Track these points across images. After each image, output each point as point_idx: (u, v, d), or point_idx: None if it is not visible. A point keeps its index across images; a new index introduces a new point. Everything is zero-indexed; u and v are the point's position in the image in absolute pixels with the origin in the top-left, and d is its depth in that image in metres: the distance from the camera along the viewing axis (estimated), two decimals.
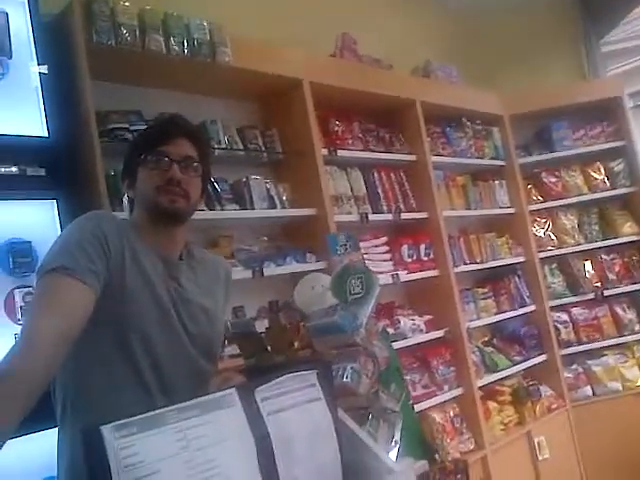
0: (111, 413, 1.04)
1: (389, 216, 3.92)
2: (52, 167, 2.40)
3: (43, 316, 1.46)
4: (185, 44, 2.88)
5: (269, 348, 2.03)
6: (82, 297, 1.53)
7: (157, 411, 1.05)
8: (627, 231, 5.24)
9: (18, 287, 2.28)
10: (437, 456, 2.01)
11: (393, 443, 1.56)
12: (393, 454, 1.54)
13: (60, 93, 2.50)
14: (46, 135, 2.41)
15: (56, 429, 1.76)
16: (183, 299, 1.81)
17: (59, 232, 2.30)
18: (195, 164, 1.83)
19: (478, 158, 4.79)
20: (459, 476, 2.02)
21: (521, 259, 4.95)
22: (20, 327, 2.15)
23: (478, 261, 4.55)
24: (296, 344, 1.82)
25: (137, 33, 2.72)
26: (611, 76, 6.29)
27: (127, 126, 2.75)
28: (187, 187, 1.80)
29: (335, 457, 1.20)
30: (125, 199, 2.01)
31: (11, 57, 2.34)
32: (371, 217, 3.76)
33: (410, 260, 4.02)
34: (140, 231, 1.82)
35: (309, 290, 1.86)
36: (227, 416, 1.10)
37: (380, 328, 1.85)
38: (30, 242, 2.33)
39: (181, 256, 1.90)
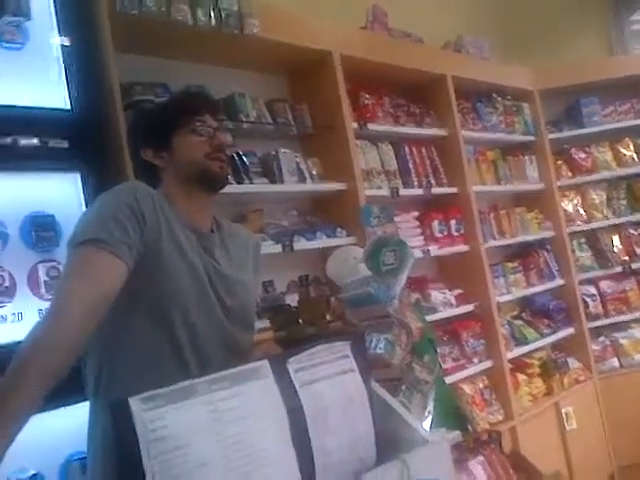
0: (148, 387, 0.96)
1: (419, 191, 3.67)
2: (75, 139, 2.17)
3: (74, 289, 1.39)
4: (212, 14, 2.62)
5: (300, 320, 1.86)
6: (114, 270, 1.44)
7: (187, 382, 0.97)
8: None
9: (41, 261, 2.07)
10: (469, 427, 1.84)
11: (426, 414, 1.46)
12: (426, 424, 1.43)
13: (83, 64, 2.26)
14: (68, 107, 2.19)
15: (83, 404, 1.67)
16: (218, 272, 1.68)
17: (83, 206, 2.16)
18: (227, 135, 1.83)
19: (508, 133, 4.50)
20: (492, 446, 1.85)
21: (550, 234, 4.69)
22: (44, 302, 2.00)
23: (508, 236, 4.30)
24: (328, 317, 1.66)
25: (163, 3, 2.47)
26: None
27: (152, 98, 2.51)
28: (227, 156, 1.77)
29: (369, 428, 1.13)
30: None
31: (30, 18, 2.09)
32: (401, 192, 3.51)
33: (441, 235, 3.77)
34: (172, 202, 1.68)
35: (342, 262, 1.72)
36: (259, 388, 1.03)
37: (413, 299, 1.65)
38: (53, 216, 2.12)
39: (212, 229, 1.78)
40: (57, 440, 2.04)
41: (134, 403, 0.91)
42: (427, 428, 1.38)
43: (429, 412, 1.41)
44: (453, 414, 1.75)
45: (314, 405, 1.06)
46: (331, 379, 1.10)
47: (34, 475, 1.90)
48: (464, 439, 1.53)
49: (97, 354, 1.60)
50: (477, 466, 1.51)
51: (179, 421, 0.93)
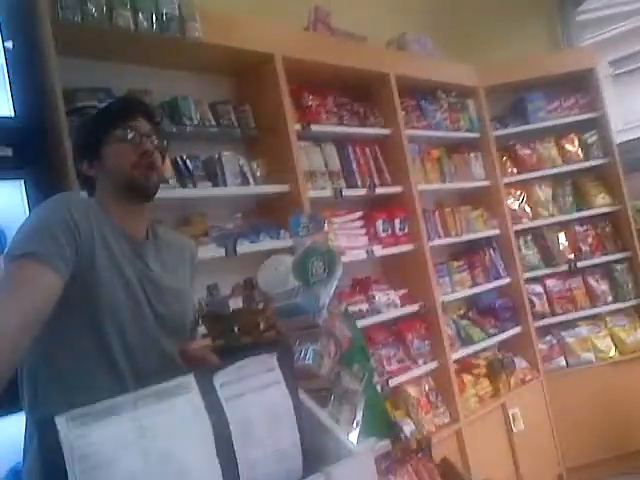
0: (83, 398, 1.05)
1: (363, 191, 3.89)
2: (19, 147, 2.34)
3: (9, 303, 1.46)
4: (154, 19, 2.82)
5: (236, 329, 2.03)
6: (48, 284, 1.53)
7: (112, 400, 1.06)
8: (600, 202, 5.25)
9: None
10: (402, 435, 2.01)
11: (355, 424, 1.56)
12: (354, 435, 1.53)
13: (26, 71, 2.45)
14: (12, 114, 2.36)
15: (20, 414, 1.77)
16: (151, 280, 1.81)
17: (28, 214, 2.26)
18: (158, 140, 1.85)
19: (453, 131, 4.75)
20: (420, 454, 2.00)
21: (496, 232, 4.94)
22: None
23: (453, 234, 4.53)
24: (262, 325, 1.77)
25: (104, 9, 2.66)
26: (584, 46, 6.29)
27: (96, 104, 2.68)
28: (157, 161, 1.83)
29: (295, 440, 1.20)
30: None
31: None
32: (345, 192, 3.73)
33: (385, 235, 4.00)
34: (106, 211, 1.80)
35: (272, 272, 1.83)
36: (184, 403, 1.10)
37: (343, 308, 1.83)
38: None
39: (147, 235, 1.90)
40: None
41: (60, 421, 0.99)
42: (355, 439, 1.48)
43: (357, 422, 1.51)
44: (383, 422, 1.92)
45: (239, 418, 1.12)
46: (257, 392, 1.16)
47: None
48: (393, 448, 1.68)
49: (32, 368, 1.69)
50: (404, 477, 1.68)
51: (105, 438, 1.00)
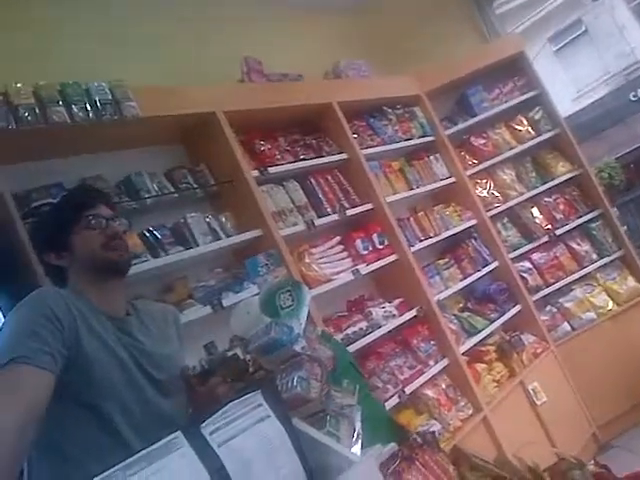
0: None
1: (335, 216, 3.74)
2: None
3: (3, 411, 1.38)
4: (88, 108, 2.67)
5: (230, 380, 1.91)
6: (39, 383, 1.46)
7: (101, 476, 0.96)
8: (561, 170, 5.18)
9: None
10: (411, 436, 1.89)
11: (355, 436, 1.46)
12: (357, 447, 1.44)
13: None
14: None
15: None
16: (141, 351, 1.76)
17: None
18: (120, 221, 1.85)
19: (407, 140, 4.61)
20: (425, 446, 1.89)
21: (472, 222, 4.80)
22: None
23: (432, 235, 4.38)
24: (250, 369, 1.69)
25: (37, 110, 2.51)
26: (509, 34, 6.36)
27: (50, 200, 2.53)
28: (125, 240, 1.85)
29: (297, 467, 1.14)
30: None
31: None
32: (317, 222, 3.58)
33: (366, 252, 3.85)
34: (84, 296, 1.75)
35: (245, 316, 1.75)
36: (177, 459, 1.01)
37: (319, 331, 1.73)
38: None
39: (127, 312, 1.86)
40: None
41: None
42: (358, 449, 1.41)
43: (358, 434, 1.42)
44: (389, 428, 1.80)
45: (236, 460, 1.06)
46: (248, 431, 1.10)
47: None
48: (399, 449, 1.57)
49: (38, 464, 1.62)
50: (412, 473, 1.56)
51: None
